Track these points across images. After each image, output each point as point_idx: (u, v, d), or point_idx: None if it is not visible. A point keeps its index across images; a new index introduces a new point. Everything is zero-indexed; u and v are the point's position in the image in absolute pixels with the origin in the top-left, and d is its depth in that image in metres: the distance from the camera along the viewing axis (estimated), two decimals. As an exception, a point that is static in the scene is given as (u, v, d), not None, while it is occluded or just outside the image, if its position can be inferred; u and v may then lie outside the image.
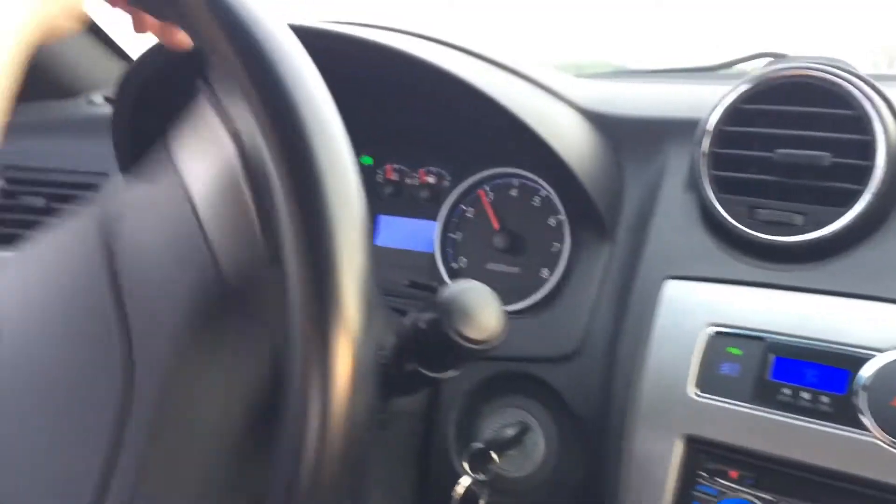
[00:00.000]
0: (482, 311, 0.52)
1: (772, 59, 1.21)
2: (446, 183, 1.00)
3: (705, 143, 0.74)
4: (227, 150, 0.47)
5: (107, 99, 1.28)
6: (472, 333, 0.52)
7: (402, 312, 0.82)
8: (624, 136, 0.83)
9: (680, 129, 0.80)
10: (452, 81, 0.73)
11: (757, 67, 1.18)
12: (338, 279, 0.39)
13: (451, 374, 0.55)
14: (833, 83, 0.70)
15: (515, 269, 0.93)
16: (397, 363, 0.55)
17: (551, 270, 0.89)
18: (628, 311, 0.73)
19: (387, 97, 0.93)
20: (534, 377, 0.76)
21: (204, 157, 0.49)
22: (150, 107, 0.90)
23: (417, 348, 0.54)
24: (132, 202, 0.51)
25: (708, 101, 0.78)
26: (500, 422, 0.80)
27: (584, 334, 0.76)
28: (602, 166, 0.82)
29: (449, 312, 0.51)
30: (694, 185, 0.75)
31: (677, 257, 0.73)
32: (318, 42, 0.78)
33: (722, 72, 1.17)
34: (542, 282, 0.89)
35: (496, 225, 0.94)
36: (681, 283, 0.72)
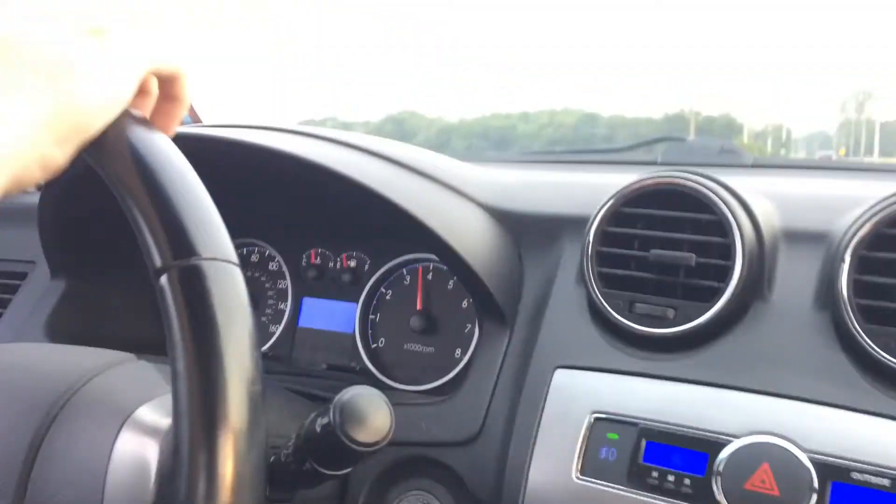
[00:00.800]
0: (371, 415, 0.58)
1: (672, 141, 1.31)
2: (367, 267, 1.06)
3: (590, 242, 0.82)
4: None
5: (38, 187, 1.31)
6: (362, 437, 0.57)
7: (321, 399, 0.87)
8: (524, 230, 0.90)
9: (574, 226, 0.86)
10: (339, 178, 0.79)
11: (658, 149, 1.28)
12: (225, 390, 0.44)
13: (346, 470, 0.61)
14: (697, 191, 0.79)
15: (431, 349, 0.98)
16: (297, 461, 0.61)
17: (464, 351, 0.94)
18: (522, 397, 0.79)
19: (303, 191, 0.98)
20: (438, 461, 0.82)
21: None
22: (78, 197, 0.94)
23: (314, 449, 0.59)
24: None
25: (602, 194, 0.85)
26: (406, 505, 0.85)
27: (484, 419, 0.82)
28: (502, 258, 0.88)
29: (340, 417, 0.57)
30: (582, 279, 0.82)
31: (566, 347, 0.80)
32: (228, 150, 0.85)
33: (624, 154, 1.26)
34: (455, 362, 0.94)
35: (420, 305, 1.00)
36: (568, 371, 0.78)
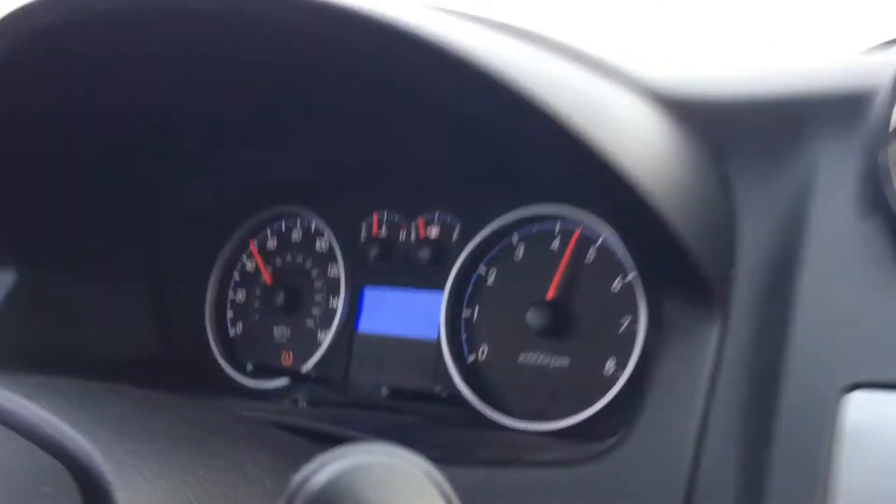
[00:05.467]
0: None
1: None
2: (455, 236, 0.73)
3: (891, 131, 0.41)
4: None
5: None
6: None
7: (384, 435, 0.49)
8: (733, 131, 0.51)
9: (837, 112, 0.47)
10: (454, 63, 0.43)
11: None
12: None
13: None
14: None
15: (563, 361, 0.66)
16: None
17: (620, 362, 0.63)
18: (774, 444, 0.39)
19: (358, 110, 0.65)
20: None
21: None
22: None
23: None
24: None
25: (876, 70, 0.47)
26: None
27: (690, 482, 0.42)
28: (699, 189, 0.50)
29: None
30: (878, 205, 0.41)
31: (865, 345, 0.41)
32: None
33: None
34: (607, 381, 0.63)
35: (551, 294, 0.66)
36: (875, 395, 0.37)
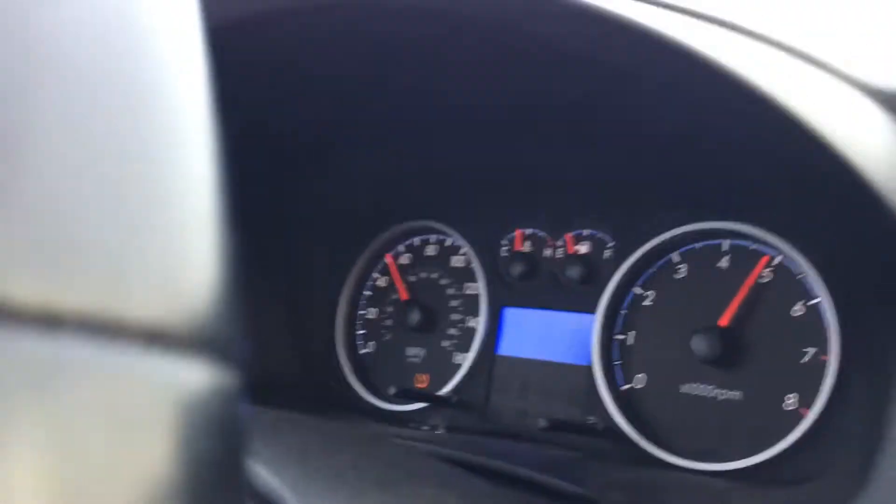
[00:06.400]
0: None
1: None
2: (608, 253, 0.67)
3: None
4: None
5: None
6: None
7: (532, 487, 0.44)
8: None
9: None
10: (650, 43, 0.38)
11: None
12: None
13: None
14: None
15: (736, 394, 0.59)
16: None
17: (805, 398, 0.56)
18: None
19: (504, 120, 0.58)
20: None
21: None
22: None
23: None
24: None
25: None
26: None
27: None
28: None
29: None
30: None
31: None
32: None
33: None
34: (789, 418, 0.56)
35: (725, 320, 0.59)
36: None
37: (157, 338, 0.15)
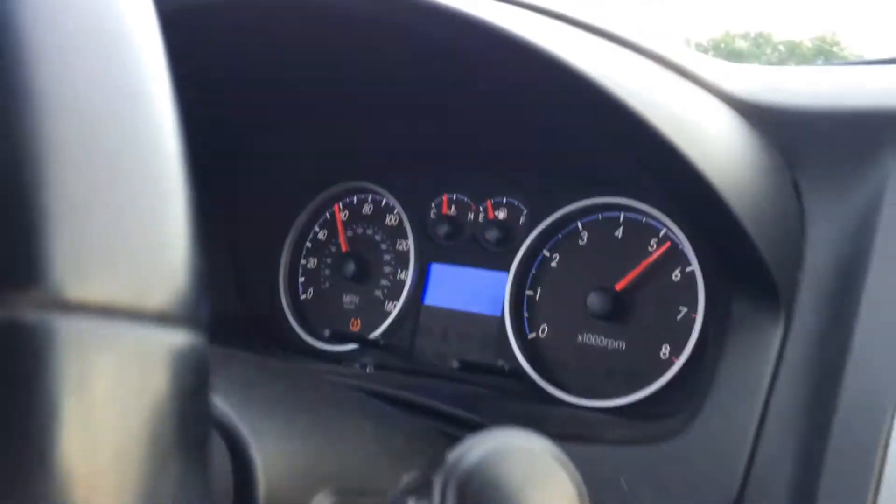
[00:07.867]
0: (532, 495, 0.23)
1: None
2: (522, 219, 0.75)
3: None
4: None
5: None
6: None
7: (447, 417, 0.54)
8: (808, 140, 0.53)
9: None
10: (534, 58, 0.45)
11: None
12: None
13: None
14: None
15: (621, 344, 0.68)
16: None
17: (675, 348, 0.65)
18: (830, 440, 0.42)
19: (433, 95, 0.66)
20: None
21: None
22: None
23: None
24: None
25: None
26: None
27: (747, 469, 0.46)
28: (771, 194, 0.52)
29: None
30: None
31: None
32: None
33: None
34: (662, 364, 0.65)
35: (621, 285, 0.67)
36: None
37: (144, 314, 0.20)
